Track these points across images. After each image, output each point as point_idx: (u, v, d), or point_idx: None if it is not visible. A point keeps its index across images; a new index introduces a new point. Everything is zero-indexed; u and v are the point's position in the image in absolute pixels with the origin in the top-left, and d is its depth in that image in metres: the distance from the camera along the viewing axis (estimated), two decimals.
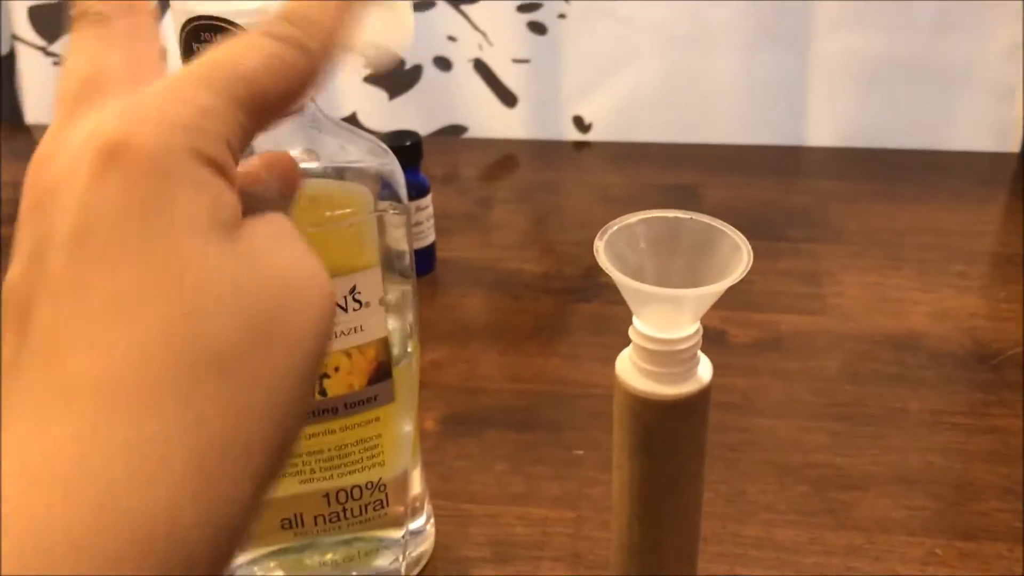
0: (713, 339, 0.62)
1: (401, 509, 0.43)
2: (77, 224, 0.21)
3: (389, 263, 0.39)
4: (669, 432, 0.37)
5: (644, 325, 0.36)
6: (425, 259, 0.71)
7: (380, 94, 0.94)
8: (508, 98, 0.93)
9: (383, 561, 0.44)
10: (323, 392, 0.38)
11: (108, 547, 0.18)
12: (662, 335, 0.36)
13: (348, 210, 0.37)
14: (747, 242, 0.35)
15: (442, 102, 0.94)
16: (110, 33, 0.24)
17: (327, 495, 0.41)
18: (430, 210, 0.70)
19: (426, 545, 0.46)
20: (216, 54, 0.23)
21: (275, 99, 0.23)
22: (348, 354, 0.38)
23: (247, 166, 0.26)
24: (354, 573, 0.44)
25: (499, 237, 0.79)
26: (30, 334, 0.20)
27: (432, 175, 0.89)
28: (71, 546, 0.18)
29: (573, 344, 0.63)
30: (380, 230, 0.38)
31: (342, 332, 0.37)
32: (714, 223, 0.37)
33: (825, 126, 0.90)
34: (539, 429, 0.55)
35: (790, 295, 0.67)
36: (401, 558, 0.44)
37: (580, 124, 0.94)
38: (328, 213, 0.37)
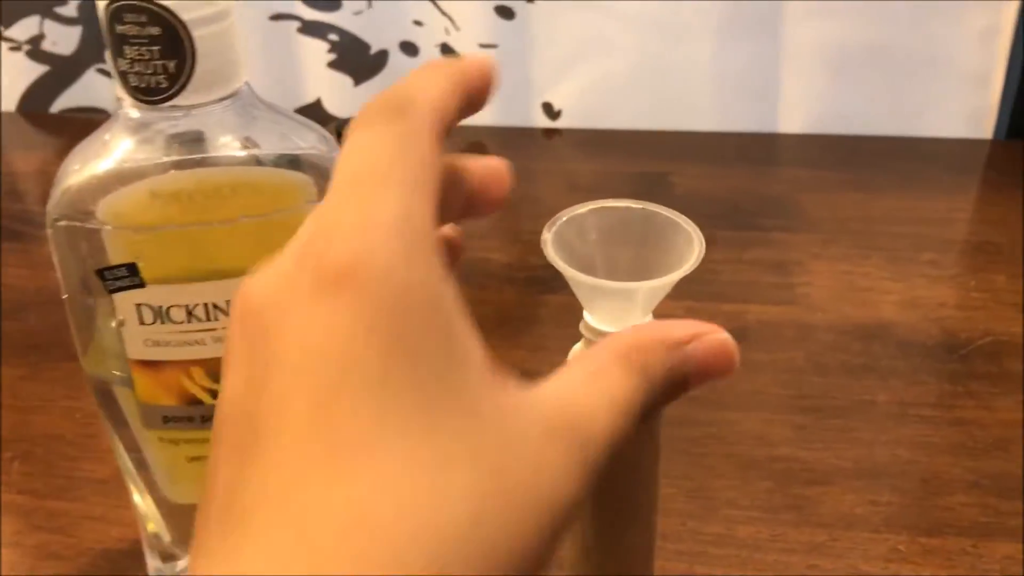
0: None
1: None
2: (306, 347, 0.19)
3: None
4: None
5: (594, 319, 0.35)
6: None
7: (345, 80, 0.92)
8: None
9: None
10: None
11: None
12: (613, 329, 0.35)
13: (290, 201, 0.36)
14: (700, 233, 0.34)
15: None
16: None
17: None
18: None
19: None
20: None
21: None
22: None
23: None
24: None
25: (464, 226, 0.77)
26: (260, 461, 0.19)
27: None
28: None
29: (539, 336, 0.62)
30: None
31: None
32: (667, 213, 0.35)
33: (798, 113, 0.89)
34: None
35: (759, 285, 0.66)
36: None
37: (549, 111, 0.93)
38: (269, 204, 0.36)
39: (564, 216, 0.35)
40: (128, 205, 0.35)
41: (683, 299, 0.65)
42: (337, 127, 0.67)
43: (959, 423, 0.53)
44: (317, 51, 0.91)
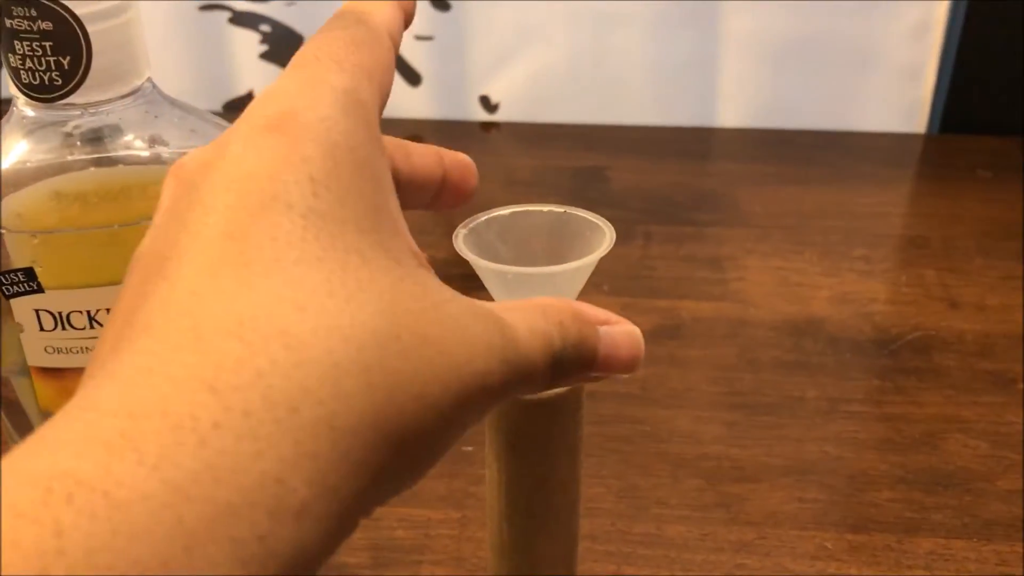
0: None
1: None
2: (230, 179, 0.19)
3: None
4: (537, 432, 0.35)
5: None
6: None
7: (278, 72, 0.90)
8: (412, 76, 0.90)
9: None
10: None
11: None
12: None
13: None
14: (611, 227, 0.33)
15: None
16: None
17: None
18: None
19: None
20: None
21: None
22: None
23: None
24: None
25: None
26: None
27: None
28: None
29: None
30: None
31: None
32: (586, 215, 0.35)
33: (735, 107, 0.89)
34: None
35: (692, 280, 0.66)
36: None
37: (487, 104, 0.92)
38: None
39: (483, 216, 0.35)
40: (27, 207, 0.33)
41: (619, 295, 0.64)
42: None
43: (887, 419, 0.53)
44: (249, 42, 0.90)
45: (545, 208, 0.35)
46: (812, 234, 0.71)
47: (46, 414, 0.35)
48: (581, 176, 0.81)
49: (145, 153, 0.34)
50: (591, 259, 0.32)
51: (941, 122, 0.87)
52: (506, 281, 0.33)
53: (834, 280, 0.66)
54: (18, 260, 0.33)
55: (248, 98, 0.92)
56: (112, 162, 0.34)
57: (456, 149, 0.90)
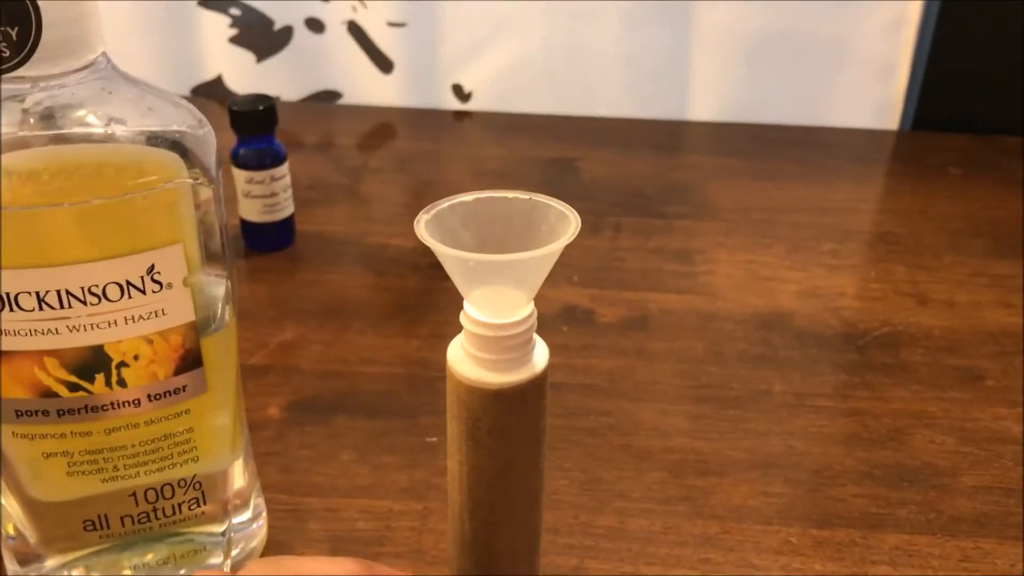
0: (580, 318, 0.60)
1: (220, 506, 0.40)
2: None
3: (199, 240, 0.35)
4: (498, 422, 0.34)
5: (474, 308, 0.34)
6: (283, 233, 0.67)
7: (247, 56, 0.89)
8: (384, 64, 0.89)
9: (212, 559, 0.41)
10: (122, 383, 0.34)
11: None
12: (491, 319, 0.33)
13: (150, 179, 0.34)
14: (576, 214, 0.33)
15: (314, 66, 0.90)
16: None
17: (134, 494, 0.37)
18: (287, 180, 0.66)
19: (256, 542, 0.43)
20: None
21: None
22: (149, 340, 0.34)
23: None
24: (181, 572, 0.40)
25: (368, 210, 0.75)
26: None
27: (303, 143, 0.86)
28: None
29: (436, 324, 0.60)
30: (188, 203, 0.34)
31: (140, 316, 0.34)
32: (552, 202, 0.34)
33: (707, 101, 0.89)
34: (392, 415, 0.52)
35: (661, 273, 0.65)
36: (224, 556, 0.41)
37: (460, 93, 0.91)
38: (128, 183, 0.33)
39: (446, 202, 0.34)
40: None
41: (588, 287, 0.64)
42: (230, 104, 0.64)
43: (854, 414, 0.53)
44: (219, 26, 0.88)
45: (510, 195, 0.34)
46: (782, 228, 0.71)
47: None
48: (552, 167, 0.81)
49: (100, 131, 0.33)
50: (555, 246, 0.32)
51: (913, 119, 0.88)
52: (468, 268, 0.33)
53: (802, 275, 0.65)
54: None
55: (217, 82, 0.90)
56: (66, 139, 0.32)
57: (427, 138, 0.89)
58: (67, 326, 0.33)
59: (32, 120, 0.32)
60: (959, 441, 0.51)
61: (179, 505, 0.38)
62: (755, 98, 0.88)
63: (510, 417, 0.35)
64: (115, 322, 0.33)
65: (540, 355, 0.35)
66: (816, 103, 0.89)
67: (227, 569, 0.41)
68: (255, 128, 0.63)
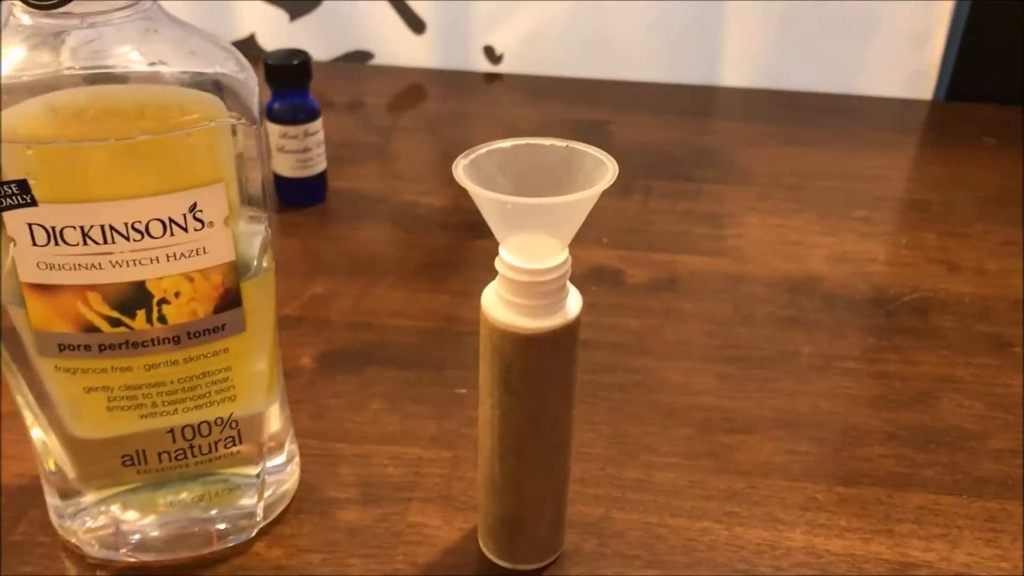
0: (609, 279, 0.61)
1: (256, 447, 0.40)
2: None
3: (239, 184, 0.36)
4: (530, 367, 0.35)
5: (509, 254, 0.34)
6: (315, 189, 0.68)
7: (280, 14, 0.89)
8: (416, 24, 0.89)
9: (245, 500, 0.41)
10: (163, 319, 0.35)
11: None
12: (526, 265, 0.34)
13: (193, 117, 0.34)
14: (613, 161, 0.33)
15: (347, 26, 0.90)
16: None
17: (171, 431, 0.38)
18: (320, 136, 0.66)
19: (288, 485, 0.44)
20: None
21: None
22: (190, 278, 0.35)
23: None
24: (213, 511, 0.41)
25: (398, 168, 0.75)
26: None
27: (334, 103, 0.86)
28: None
29: (465, 281, 0.61)
30: (229, 144, 0.35)
31: (182, 254, 0.34)
32: (589, 150, 0.34)
33: (739, 66, 0.89)
34: (422, 367, 0.53)
35: (690, 236, 0.65)
36: (257, 498, 0.41)
37: (491, 55, 0.91)
38: (169, 120, 0.34)
39: (484, 148, 0.34)
40: (21, 119, 0.33)
41: (617, 248, 0.64)
42: (264, 58, 0.64)
43: (881, 376, 0.53)
44: None
45: (547, 142, 0.34)
46: (813, 194, 0.71)
47: (39, 334, 0.35)
48: (583, 130, 0.80)
49: (144, 70, 0.33)
50: (591, 192, 0.32)
51: (948, 89, 0.87)
52: (505, 212, 0.33)
53: (833, 240, 0.65)
54: (11, 172, 0.32)
55: (249, 41, 0.90)
56: (111, 78, 0.33)
57: (457, 99, 0.89)
58: (110, 261, 0.34)
59: (76, 56, 0.32)
60: (987, 406, 0.51)
61: (215, 444, 0.39)
62: (787, 65, 0.88)
63: (542, 362, 0.35)
64: (157, 259, 0.34)
65: (573, 302, 0.35)
66: (849, 71, 0.88)
67: (260, 511, 0.42)
68: (290, 83, 0.64)
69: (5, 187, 0.32)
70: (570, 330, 0.35)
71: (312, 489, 0.44)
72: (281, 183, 0.67)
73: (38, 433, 0.39)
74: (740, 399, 0.51)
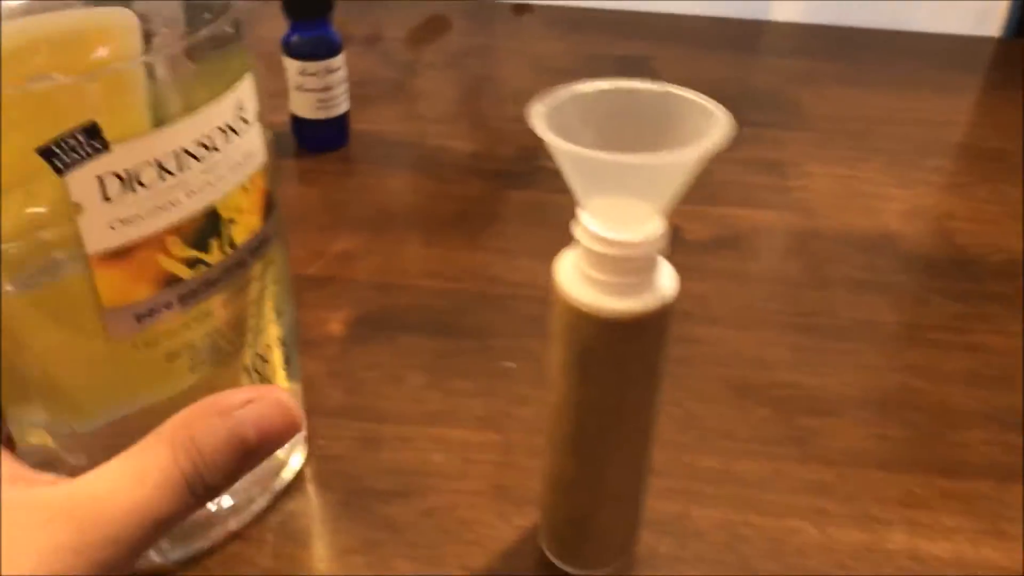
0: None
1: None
2: None
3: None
4: (612, 354, 0.29)
5: (592, 219, 0.28)
6: (337, 131, 0.62)
7: None
8: None
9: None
10: (232, 244, 0.30)
11: None
12: (613, 235, 0.28)
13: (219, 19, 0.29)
14: (726, 112, 0.27)
15: None
16: None
17: (247, 368, 0.34)
18: (342, 73, 0.60)
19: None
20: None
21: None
22: (245, 188, 0.30)
23: None
24: None
25: (424, 108, 0.69)
26: None
27: (352, 36, 0.79)
28: None
29: (505, 236, 0.55)
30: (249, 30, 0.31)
31: (237, 162, 0.29)
32: (689, 95, 0.28)
33: (790, 1, 0.82)
34: (462, 336, 0.47)
35: (751, 187, 0.59)
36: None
37: None
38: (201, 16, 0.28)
39: (565, 94, 0.28)
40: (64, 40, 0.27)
41: None
42: None
43: (971, 348, 0.48)
44: None
45: (640, 85, 0.29)
46: (879, 140, 0.65)
47: (111, 313, 0.29)
48: (624, 66, 0.74)
49: None
50: (700, 149, 0.26)
51: (1017, 25, 0.80)
52: (591, 171, 0.27)
53: (907, 192, 0.59)
54: (62, 122, 0.26)
55: None
56: None
57: (483, 32, 0.80)
58: (185, 192, 0.28)
59: None
60: None
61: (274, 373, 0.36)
62: None
63: (627, 349, 0.30)
64: (222, 175, 0.29)
65: (667, 281, 0.30)
66: (906, 5, 0.81)
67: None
68: (310, 13, 0.57)
69: (70, 140, 0.26)
70: (661, 314, 0.29)
71: (349, 479, 0.39)
72: (300, 125, 0.61)
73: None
74: (820, 374, 0.45)
